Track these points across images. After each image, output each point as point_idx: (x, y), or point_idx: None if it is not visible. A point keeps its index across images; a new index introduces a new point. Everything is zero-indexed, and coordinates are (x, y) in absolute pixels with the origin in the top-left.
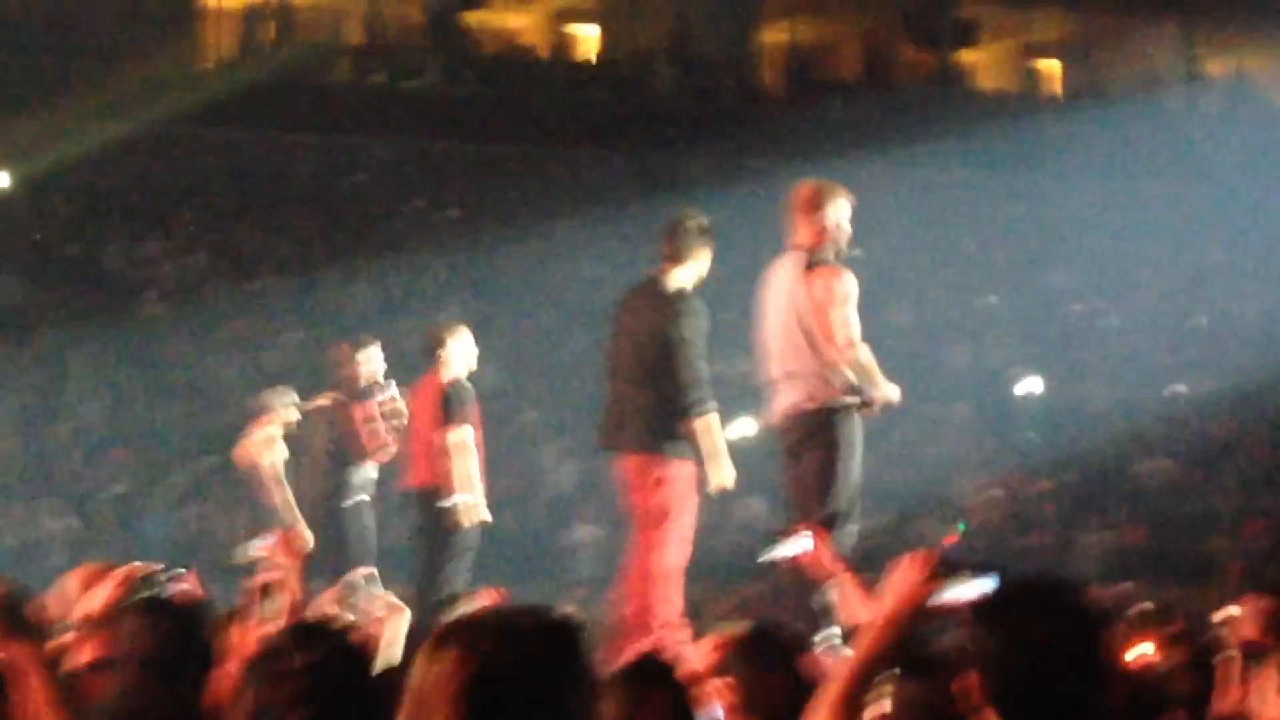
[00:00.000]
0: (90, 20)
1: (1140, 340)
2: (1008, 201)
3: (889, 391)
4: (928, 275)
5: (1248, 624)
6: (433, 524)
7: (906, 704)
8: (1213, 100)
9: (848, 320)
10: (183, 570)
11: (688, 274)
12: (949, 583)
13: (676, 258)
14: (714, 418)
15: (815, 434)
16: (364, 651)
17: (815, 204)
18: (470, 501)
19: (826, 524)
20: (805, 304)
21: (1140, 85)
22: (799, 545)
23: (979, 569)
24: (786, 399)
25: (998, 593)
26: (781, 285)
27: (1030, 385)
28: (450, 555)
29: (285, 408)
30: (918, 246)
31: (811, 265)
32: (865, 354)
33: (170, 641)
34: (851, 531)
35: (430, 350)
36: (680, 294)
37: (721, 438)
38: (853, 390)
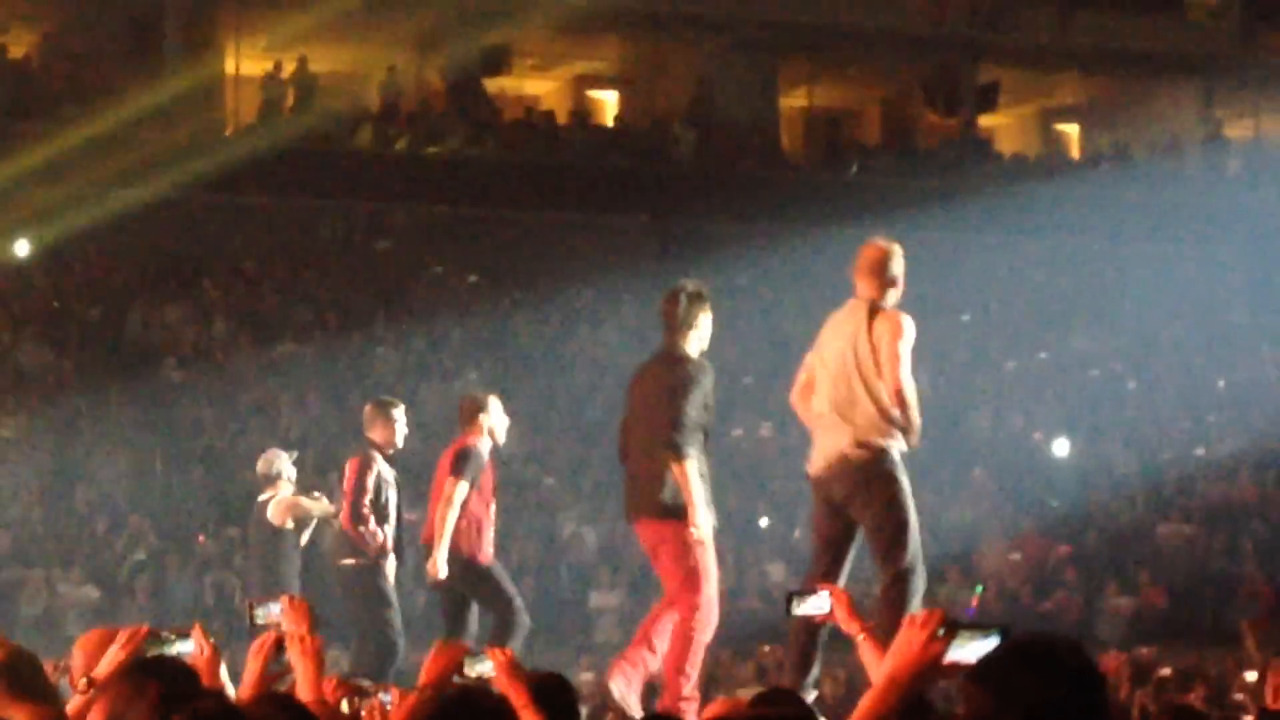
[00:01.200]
0: (112, 86)
1: (1161, 403)
2: (1028, 265)
3: (915, 436)
4: (948, 339)
5: (1271, 691)
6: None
7: None
8: (1232, 162)
9: (904, 357)
10: (187, 630)
11: (692, 341)
12: (956, 642)
13: (679, 327)
14: (691, 464)
15: (870, 483)
16: None
17: (883, 262)
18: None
19: (901, 577)
20: (865, 346)
21: (1160, 148)
22: (820, 605)
23: (985, 629)
24: (832, 443)
25: (994, 651)
26: (842, 328)
27: (1056, 448)
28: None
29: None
30: (939, 310)
31: (874, 311)
32: (912, 393)
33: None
34: (922, 574)
35: (469, 416)
36: (687, 359)
37: (699, 486)
38: (901, 434)
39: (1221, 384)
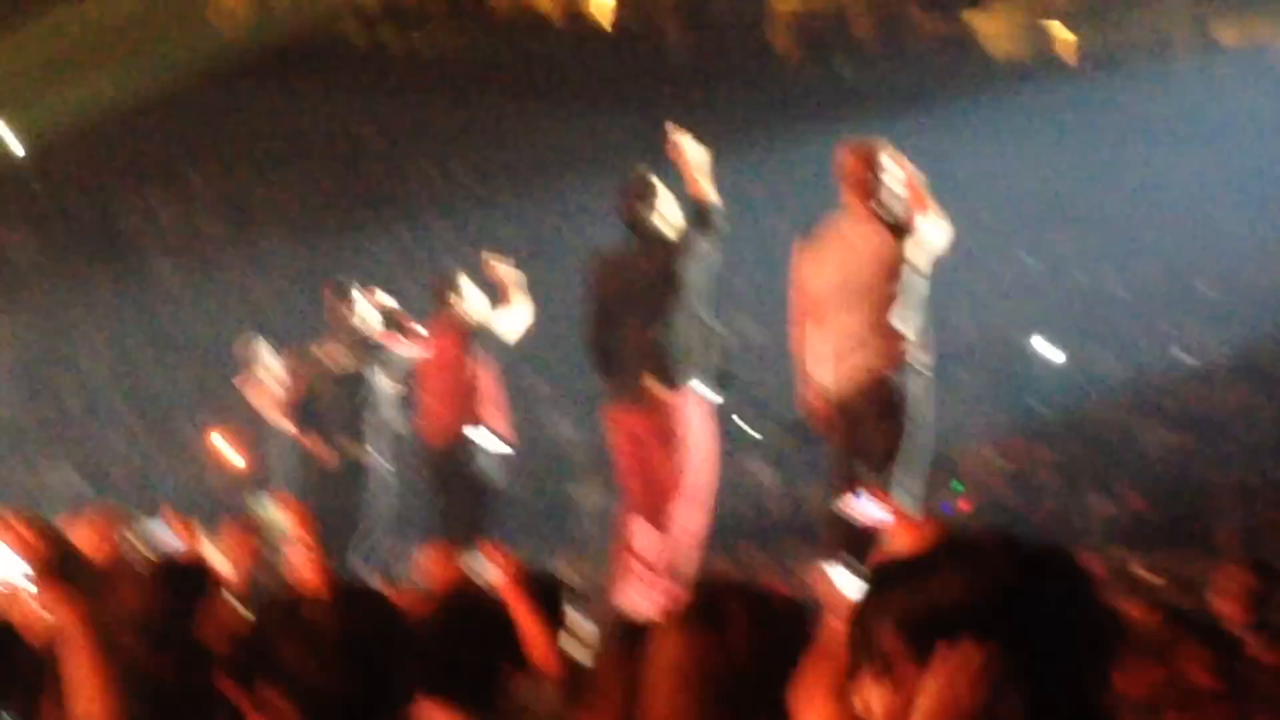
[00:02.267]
0: None
1: (1147, 308)
2: (1016, 167)
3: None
4: None
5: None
6: (466, 475)
7: None
8: (1224, 67)
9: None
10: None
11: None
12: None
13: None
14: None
15: (892, 398)
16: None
17: (871, 164)
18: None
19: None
20: (887, 265)
21: (1151, 50)
22: (879, 513)
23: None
24: (851, 364)
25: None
26: (858, 249)
27: (1039, 350)
28: (486, 507)
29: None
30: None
31: (886, 223)
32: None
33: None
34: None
35: (443, 294)
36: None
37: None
38: (924, 351)
39: (1210, 290)
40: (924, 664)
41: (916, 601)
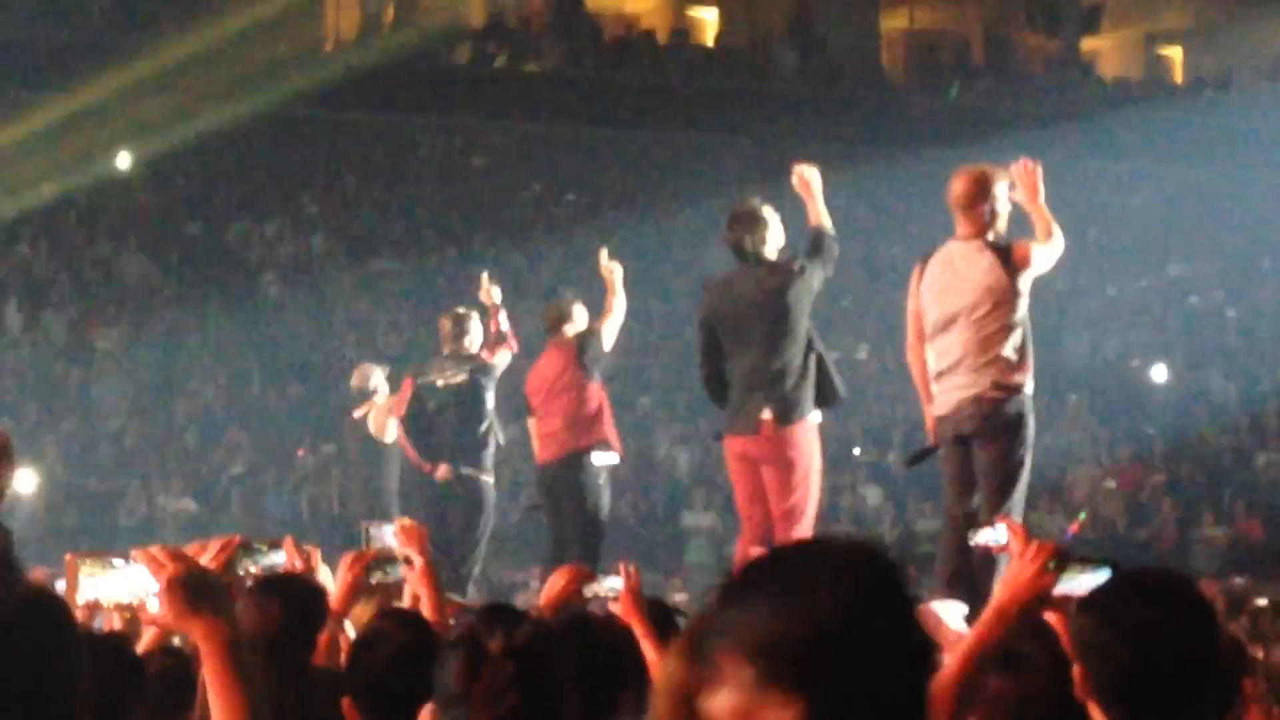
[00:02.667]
0: (215, 1)
1: (1260, 332)
2: (1129, 190)
3: None
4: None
5: None
6: (578, 494)
7: (996, 700)
8: None
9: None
10: (279, 542)
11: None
12: (1066, 574)
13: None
14: None
15: (1004, 425)
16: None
17: (983, 189)
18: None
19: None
20: (993, 288)
21: (1264, 72)
22: (997, 537)
23: (1095, 562)
24: (966, 392)
25: (1107, 583)
26: (969, 275)
27: (1153, 375)
28: (598, 527)
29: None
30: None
31: (1004, 247)
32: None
33: (281, 616)
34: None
35: (555, 324)
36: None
37: None
38: (1030, 375)
39: None
40: None
41: None
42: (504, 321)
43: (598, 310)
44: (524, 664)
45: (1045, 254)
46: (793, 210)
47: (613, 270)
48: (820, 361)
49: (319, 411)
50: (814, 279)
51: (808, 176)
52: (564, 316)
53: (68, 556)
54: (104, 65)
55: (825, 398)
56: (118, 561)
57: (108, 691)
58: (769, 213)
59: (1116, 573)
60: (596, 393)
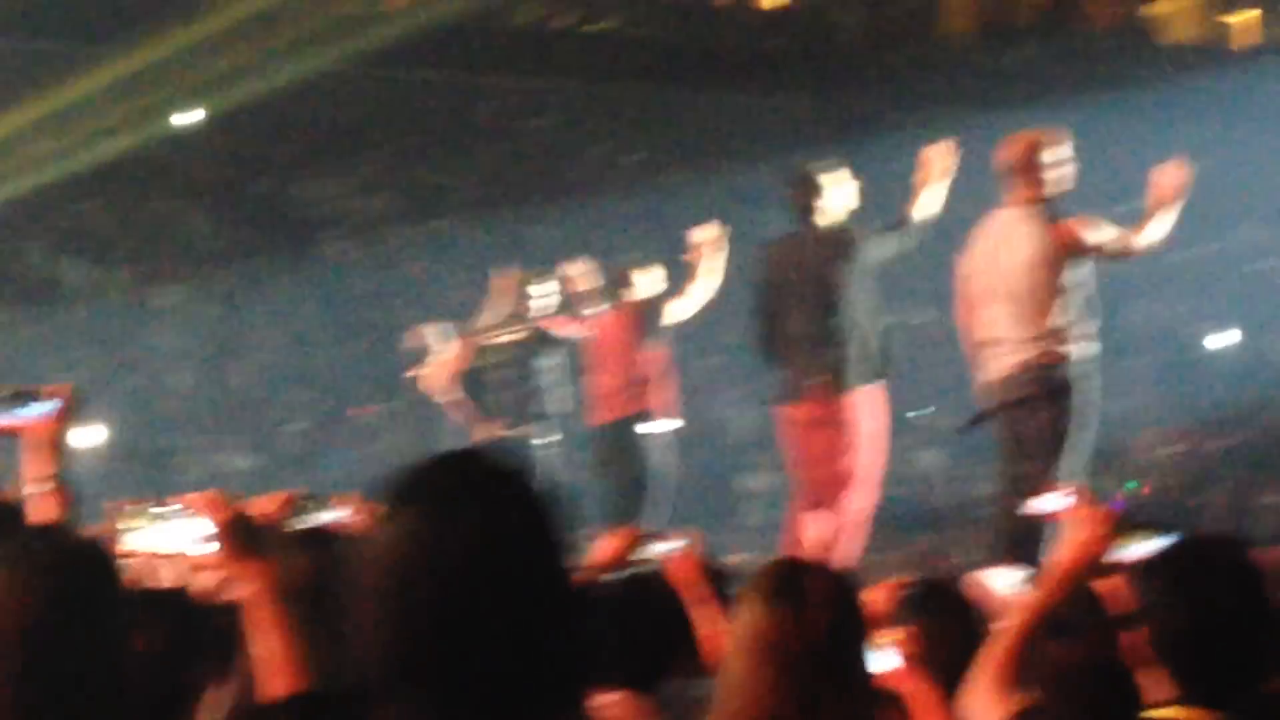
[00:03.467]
0: None
1: None
2: (1193, 155)
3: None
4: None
5: None
6: (634, 458)
7: (1048, 664)
8: None
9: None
10: (345, 498)
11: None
12: (1127, 540)
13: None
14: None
15: (1055, 390)
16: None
17: (1032, 156)
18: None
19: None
20: (1045, 261)
21: None
22: (1063, 503)
23: (1156, 528)
24: (1012, 355)
25: (1165, 550)
26: (1016, 243)
27: (1219, 341)
28: (655, 490)
29: (448, 340)
30: (1099, 199)
31: (1053, 219)
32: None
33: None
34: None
35: (618, 286)
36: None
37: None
38: (1088, 341)
39: None
40: None
41: None
42: (590, 306)
43: (673, 274)
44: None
45: (1099, 242)
46: (858, 173)
47: (704, 252)
48: (870, 334)
49: (380, 370)
50: (870, 252)
51: (931, 157)
52: (624, 280)
53: (107, 504)
54: (167, 22)
55: (876, 370)
56: (158, 510)
57: (171, 644)
58: (829, 178)
59: (1176, 539)
60: (654, 358)
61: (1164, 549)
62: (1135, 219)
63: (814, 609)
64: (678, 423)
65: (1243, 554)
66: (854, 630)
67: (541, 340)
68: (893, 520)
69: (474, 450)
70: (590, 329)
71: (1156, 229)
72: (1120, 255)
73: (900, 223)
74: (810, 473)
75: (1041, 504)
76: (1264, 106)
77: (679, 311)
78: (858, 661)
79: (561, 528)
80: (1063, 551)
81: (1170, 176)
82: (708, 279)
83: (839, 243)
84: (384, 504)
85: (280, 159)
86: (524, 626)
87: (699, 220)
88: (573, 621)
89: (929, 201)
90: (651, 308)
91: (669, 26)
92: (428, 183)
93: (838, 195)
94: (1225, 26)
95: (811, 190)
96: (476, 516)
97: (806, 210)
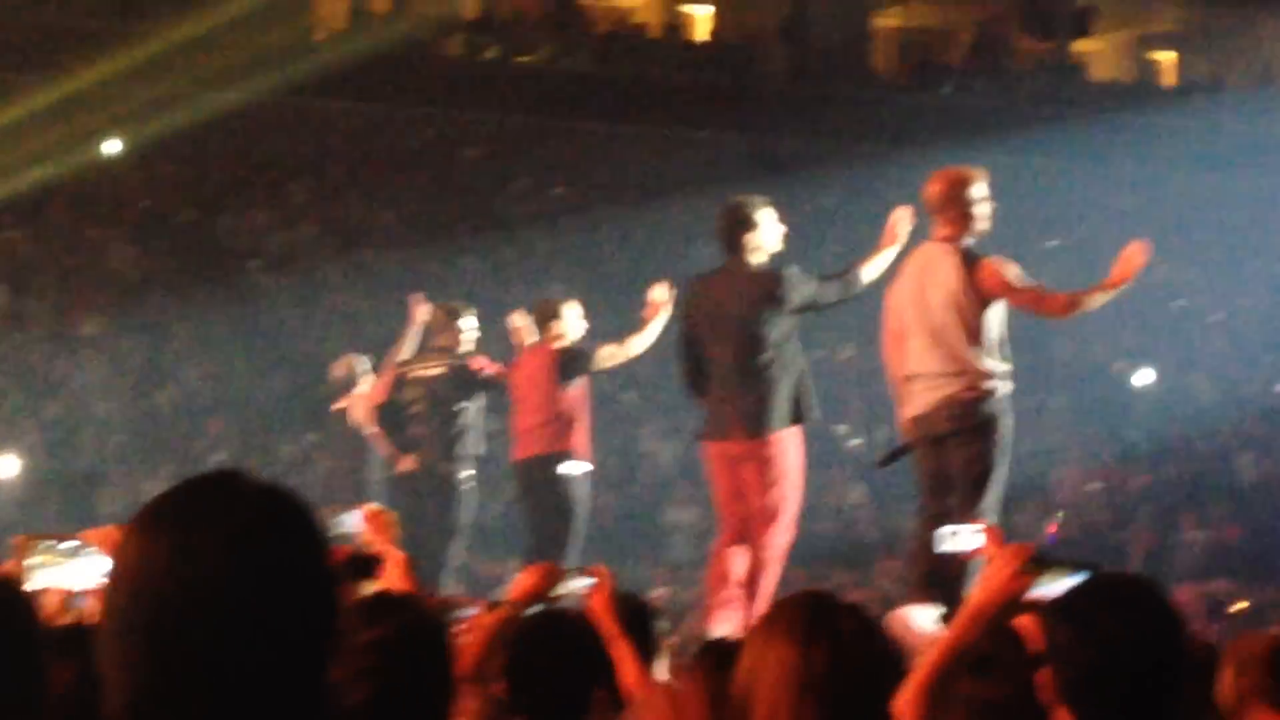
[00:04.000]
0: None
1: (1245, 337)
2: (1117, 192)
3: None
4: (1033, 265)
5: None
6: (552, 493)
7: (969, 702)
8: None
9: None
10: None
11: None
12: (1043, 577)
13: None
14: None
15: (977, 426)
16: (438, 625)
17: (956, 192)
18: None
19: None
20: (965, 298)
21: (1255, 77)
22: (975, 541)
23: (1073, 565)
24: (938, 394)
25: (1077, 587)
26: (940, 278)
27: (1140, 377)
28: (572, 525)
29: (367, 374)
30: (1024, 235)
31: (973, 256)
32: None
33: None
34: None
35: (544, 321)
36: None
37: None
38: (1009, 382)
39: None
40: None
41: None
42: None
43: (595, 309)
44: (386, 657)
45: (1016, 293)
46: (786, 208)
47: (659, 311)
48: (798, 376)
49: (305, 401)
50: (796, 294)
51: (900, 219)
52: (551, 316)
53: (16, 539)
54: (93, 51)
55: (798, 414)
56: (64, 546)
57: (87, 683)
58: (761, 214)
59: (1090, 577)
60: (574, 397)
61: (1072, 588)
62: (1062, 255)
63: (849, 646)
64: (587, 467)
65: (1151, 593)
66: (888, 666)
67: (462, 375)
68: (816, 554)
69: (226, 473)
70: (510, 368)
71: (1097, 300)
72: (1032, 310)
73: (846, 273)
74: (733, 508)
75: (953, 544)
76: (1188, 144)
77: (611, 358)
78: (889, 697)
79: (319, 550)
80: (978, 589)
81: (1139, 257)
82: (648, 335)
83: (768, 282)
84: (127, 531)
85: (206, 189)
86: (274, 653)
87: (626, 254)
88: (325, 644)
89: (882, 263)
90: (574, 345)
91: (598, 60)
92: (354, 214)
93: (768, 230)
94: (1151, 63)
95: (742, 223)
96: (219, 540)
97: (735, 244)
